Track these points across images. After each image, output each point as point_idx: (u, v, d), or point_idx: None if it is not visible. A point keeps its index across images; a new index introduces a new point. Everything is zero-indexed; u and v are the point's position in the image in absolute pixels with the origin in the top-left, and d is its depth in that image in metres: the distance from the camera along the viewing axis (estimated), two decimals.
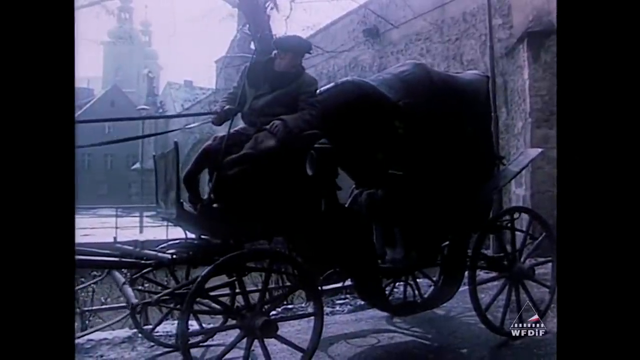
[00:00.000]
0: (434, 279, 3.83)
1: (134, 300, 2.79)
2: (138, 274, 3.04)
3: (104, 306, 4.95)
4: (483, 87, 3.65)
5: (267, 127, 2.74)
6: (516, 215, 3.63)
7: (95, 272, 3.94)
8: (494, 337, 3.29)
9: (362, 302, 4.10)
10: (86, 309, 4.77)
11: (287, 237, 2.99)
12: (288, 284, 3.94)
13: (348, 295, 4.79)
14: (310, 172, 2.70)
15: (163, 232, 10.51)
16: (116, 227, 13.66)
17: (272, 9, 10.53)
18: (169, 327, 3.61)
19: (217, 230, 2.81)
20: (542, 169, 6.96)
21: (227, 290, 3.09)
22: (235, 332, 2.56)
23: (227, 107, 2.96)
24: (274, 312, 3.43)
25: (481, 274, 4.09)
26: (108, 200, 28.75)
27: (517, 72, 8.16)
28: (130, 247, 3.12)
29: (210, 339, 3.33)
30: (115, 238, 11.21)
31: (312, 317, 2.67)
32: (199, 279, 2.42)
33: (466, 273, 3.33)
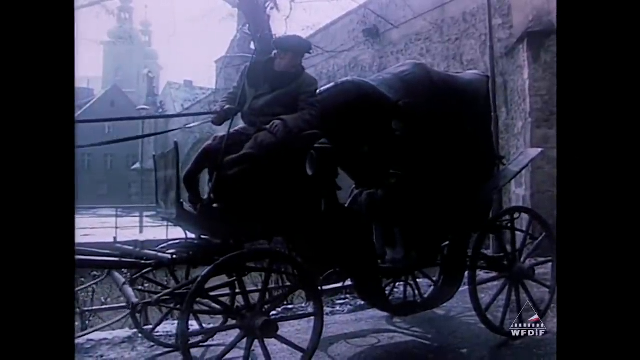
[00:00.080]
0: (434, 279, 3.83)
1: (134, 300, 2.79)
2: (138, 274, 3.04)
3: (104, 306, 4.95)
4: (483, 87, 3.65)
5: (267, 127, 2.74)
6: (516, 215, 3.63)
7: (95, 273, 3.94)
8: (494, 337, 3.29)
9: (362, 302, 4.10)
10: (86, 309, 4.77)
11: (287, 237, 2.99)
12: (288, 284, 3.94)
13: (348, 295, 4.78)
14: (310, 172, 2.70)
15: (163, 232, 10.51)
16: (116, 227, 13.65)
17: (272, 9, 10.54)
18: (169, 327, 3.61)
19: (217, 230, 2.80)
20: (542, 169, 6.96)
21: (227, 290, 3.09)
22: (235, 332, 2.56)
23: (227, 107, 2.96)
24: (274, 312, 3.43)
25: (481, 274, 4.09)
26: (108, 200, 28.77)
27: (517, 72, 8.16)
28: (130, 247, 3.11)
29: (210, 339, 3.33)
30: (115, 238, 11.22)
31: (312, 317, 2.67)
32: (199, 279, 2.42)
33: (466, 273, 3.33)
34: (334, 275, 3.16)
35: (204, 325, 3.43)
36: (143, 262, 2.78)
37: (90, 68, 56.13)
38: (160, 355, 3.26)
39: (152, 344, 3.37)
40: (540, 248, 3.59)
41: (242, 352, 2.47)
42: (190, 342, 2.60)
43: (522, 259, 3.51)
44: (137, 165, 31.13)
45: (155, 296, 2.76)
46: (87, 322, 4.65)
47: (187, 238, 3.01)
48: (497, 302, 3.36)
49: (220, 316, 3.30)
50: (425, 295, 3.75)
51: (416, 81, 3.27)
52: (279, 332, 2.50)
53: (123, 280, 2.95)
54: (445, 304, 3.67)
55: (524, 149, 6.68)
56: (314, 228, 2.81)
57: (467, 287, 3.29)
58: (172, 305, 3.00)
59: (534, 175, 7.23)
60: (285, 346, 2.62)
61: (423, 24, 11.31)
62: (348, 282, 3.81)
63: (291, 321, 3.43)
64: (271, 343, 2.56)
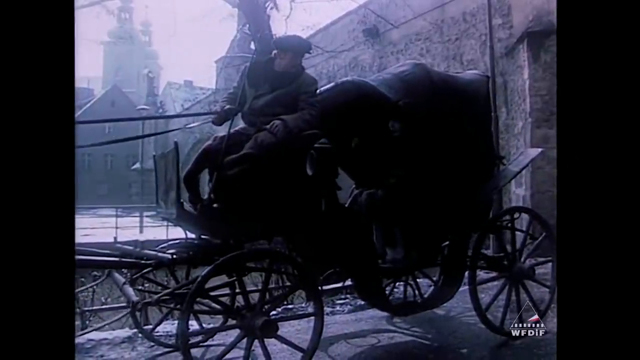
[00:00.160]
0: (434, 279, 3.83)
1: (135, 299, 2.79)
2: (138, 274, 3.04)
3: (104, 306, 4.96)
4: (483, 87, 3.65)
5: (267, 127, 2.74)
6: (516, 215, 3.63)
7: (95, 273, 3.95)
8: (494, 337, 3.29)
9: (362, 302, 4.10)
10: (86, 309, 4.78)
11: (287, 237, 2.99)
12: (288, 284, 3.94)
13: (348, 295, 4.79)
14: (310, 172, 2.70)
15: (163, 232, 10.51)
16: (116, 227, 13.66)
17: (272, 9, 10.54)
18: (169, 327, 3.61)
19: (217, 230, 2.81)
20: (542, 169, 6.96)
21: (227, 290, 3.09)
22: (235, 332, 2.56)
23: (227, 107, 2.96)
24: (274, 312, 3.43)
25: (481, 274, 4.09)
26: (108, 200, 28.73)
27: (517, 72, 8.16)
28: (131, 247, 3.11)
29: (210, 339, 3.33)
30: (115, 238, 11.24)
31: (312, 317, 2.68)
32: (199, 279, 2.42)
33: (466, 273, 3.33)
34: (334, 275, 3.16)
35: (204, 325, 3.43)
36: (143, 262, 2.78)
37: (91, 68, 56.17)
38: (160, 355, 3.26)
39: (152, 344, 3.37)
40: (540, 248, 3.59)
41: (242, 352, 2.47)
42: (190, 342, 2.60)
43: (522, 259, 3.51)
44: (137, 165, 31.15)
45: (156, 296, 2.76)
46: (87, 322, 4.66)
47: (187, 238, 3.01)
48: (497, 302, 3.36)
49: (220, 316, 3.30)
50: (425, 295, 3.75)
51: (416, 81, 3.27)
52: (279, 332, 2.50)
53: (123, 280, 2.95)
54: (445, 304, 3.67)
55: (524, 149, 6.68)
56: (314, 228, 2.80)
57: (467, 287, 3.29)
58: (172, 305, 3.00)
59: (534, 175, 7.23)
60: (285, 346, 2.62)
61: (423, 24, 11.31)
62: (348, 282, 3.81)
63: (291, 321, 3.43)
64: (271, 343, 2.56)
